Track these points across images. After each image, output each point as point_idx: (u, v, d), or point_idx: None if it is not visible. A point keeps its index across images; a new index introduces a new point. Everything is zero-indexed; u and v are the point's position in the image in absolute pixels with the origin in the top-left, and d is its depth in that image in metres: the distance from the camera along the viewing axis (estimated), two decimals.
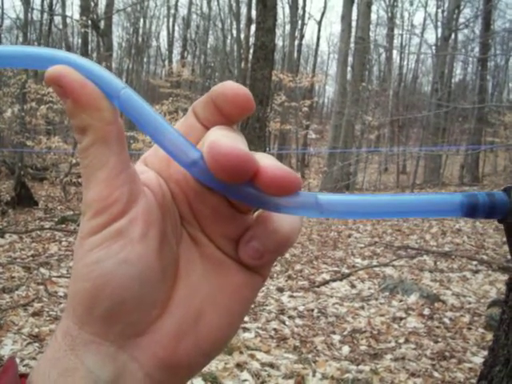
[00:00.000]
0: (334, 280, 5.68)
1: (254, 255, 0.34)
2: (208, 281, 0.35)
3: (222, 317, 0.35)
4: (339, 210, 0.32)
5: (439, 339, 4.05)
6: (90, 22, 16.43)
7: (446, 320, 4.47)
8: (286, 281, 5.61)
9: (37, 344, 3.65)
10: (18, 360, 3.37)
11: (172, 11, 35.00)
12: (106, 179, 0.31)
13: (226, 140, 0.29)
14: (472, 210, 0.32)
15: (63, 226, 8.05)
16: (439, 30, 26.23)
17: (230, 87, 0.32)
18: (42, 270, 5.50)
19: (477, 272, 6.05)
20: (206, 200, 0.34)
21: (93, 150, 0.31)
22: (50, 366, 0.32)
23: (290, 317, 4.50)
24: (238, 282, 0.35)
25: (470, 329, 4.27)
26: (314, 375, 3.33)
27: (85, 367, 0.32)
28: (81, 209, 0.33)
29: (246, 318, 4.33)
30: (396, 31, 32.37)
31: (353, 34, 19.17)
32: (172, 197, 0.35)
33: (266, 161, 0.30)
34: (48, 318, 4.17)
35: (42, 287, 4.88)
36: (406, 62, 36.53)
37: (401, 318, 4.50)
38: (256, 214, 0.35)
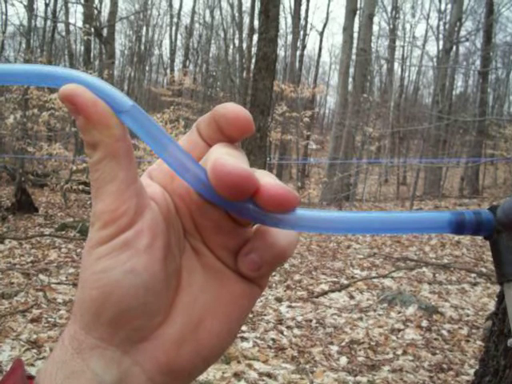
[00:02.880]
0: (332, 291, 5.67)
1: (253, 267, 0.36)
2: (208, 290, 0.37)
3: (221, 324, 0.37)
4: (334, 226, 0.34)
5: (437, 351, 4.05)
6: (93, 29, 16.51)
7: (444, 332, 4.46)
8: (285, 291, 5.61)
9: (35, 350, 3.65)
10: None
11: (175, 20, 35.20)
12: (115, 192, 0.33)
13: (228, 159, 0.31)
14: (459, 227, 0.34)
15: (63, 232, 8.05)
16: (441, 43, 26.38)
17: (232, 110, 0.35)
18: (42, 276, 5.50)
19: (475, 284, 6.05)
20: (207, 213, 0.36)
21: (103, 164, 0.33)
22: (56, 369, 0.34)
23: (289, 327, 4.50)
24: (237, 292, 0.37)
25: (468, 341, 4.27)
26: None
27: (90, 370, 0.33)
28: (90, 219, 0.34)
29: (244, 328, 4.33)
30: (398, 43, 32.49)
31: (354, 45, 19.25)
32: (175, 210, 0.37)
33: (266, 179, 0.32)
34: (46, 325, 4.17)
35: (41, 293, 4.88)
36: (407, 74, 36.72)
37: (399, 330, 4.50)
38: (255, 227, 0.37)
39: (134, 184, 0.34)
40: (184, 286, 0.37)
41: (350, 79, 18.81)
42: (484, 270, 6.75)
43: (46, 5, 23.89)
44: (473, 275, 6.46)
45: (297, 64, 25.81)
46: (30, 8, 12.17)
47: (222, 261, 0.37)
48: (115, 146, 0.33)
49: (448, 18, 24.01)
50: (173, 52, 34.06)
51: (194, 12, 33.10)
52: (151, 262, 0.34)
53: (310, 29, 37.11)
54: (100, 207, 0.33)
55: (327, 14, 40.78)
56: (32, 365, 3.43)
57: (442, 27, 28.63)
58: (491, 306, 5.16)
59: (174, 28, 34.77)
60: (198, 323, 0.36)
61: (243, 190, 0.31)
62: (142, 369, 0.35)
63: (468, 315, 4.91)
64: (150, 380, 0.35)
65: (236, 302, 0.37)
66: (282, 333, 4.35)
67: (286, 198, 0.32)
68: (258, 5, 18.26)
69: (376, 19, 30.40)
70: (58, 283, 5.33)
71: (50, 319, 4.29)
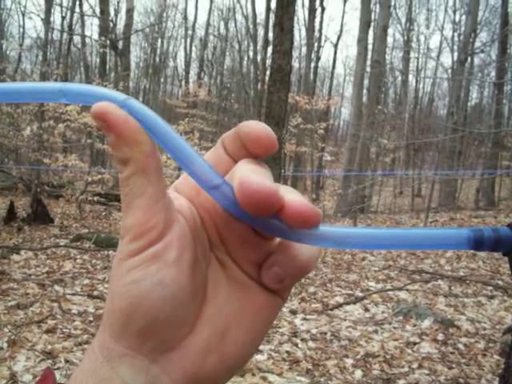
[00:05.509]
0: (347, 303, 5.65)
1: (276, 280, 0.37)
2: (233, 301, 0.38)
3: (245, 335, 0.38)
4: (355, 241, 0.35)
5: (453, 365, 4.01)
6: (108, 42, 16.67)
7: (461, 346, 4.42)
8: (300, 303, 5.59)
9: (50, 361, 3.67)
10: (30, 377, 3.39)
11: (189, 32, 35.40)
12: (145, 206, 0.34)
13: (254, 176, 0.32)
14: (478, 244, 0.35)
15: (78, 243, 8.10)
16: (455, 54, 26.29)
17: (255, 128, 0.36)
18: (57, 287, 5.54)
19: (492, 297, 6.00)
20: (233, 227, 0.37)
21: (133, 179, 0.34)
22: (87, 377, 0.35)
23: (303, 339, 4.49)
24: (261, 303, 0.38)
25: (484, 355, 4.22)
26: None
27: (120, 378, 0.34)
28: (120, 233, 0.35)
29: None
30: (412, 54, 32.47)
31: (369, 56, 19.26)
32: (201, 222, 0.38)
33: (290, 196, 0.33)
34: (61, 336, 4.19)
35: (56, 304, 4.91)
36: (421, 85, 36.62)
37: (414, 343, 4.47)
38: (278, 240, 0.38)
39: (163, 198, 0.35)
40: (210, 298, 0.38)
41: (365, 91, 18.82)
42: (501, 282, 6.69)
43: (63, 18, 24.19)
44: (489, 288, 6.41)
45: (311, 76, 25.84)
46: (47, 21, 12.32)
47: (246, 273, 0.38)
48: (145, 161, 0.34)
49: (463, 29, 23.97)
50: (187, 64, 34.25)
51: (208, 24, 33.31)
52: (179, 274, 0.35)
53: (325, 41, 37.39)
54: (130, 221, 0.34)
55: (341, 26, 41.04)
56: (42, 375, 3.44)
57: (456, 38, 28.57)
58: (508, 319, 5.11)
59: (188, 40, 35.00)
60: (223, 333, 0.37)
61: (268, 207, 0.32)
62: (169, 377, 0.36)
63: (485, 329, 4.87)
64: None
65: (259, 313, 0.38)
66: (296, 345, 4.34)
67: (309, 215, 0.32)
68: (272, 17, 18.35)
69: (390, 31, 30.46)
70: (73, 294, 5.36)
71: (64, 330, 4.31)
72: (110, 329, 0.35)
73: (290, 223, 0.33)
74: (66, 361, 3.65)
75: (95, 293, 5.49)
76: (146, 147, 0.34)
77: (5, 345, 3.84)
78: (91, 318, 4.64)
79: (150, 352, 0.35)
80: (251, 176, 0.32)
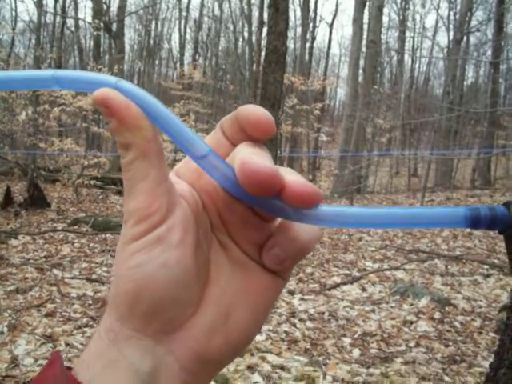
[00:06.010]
0: (344, 283, 5.69)
1: (276, 261, 0.38)
2: (235, 282, 0.39)
3: (248, 314, 0.39)
4: (356, 220, 0.35)
5: (450, 343, 4.05)
6: (102, 24, 16.52)
7: (457, 324, 4.47)
8: (297, 284, 5.62)
9: (50, 344, 3.69)
10: (31, 360, 3.41)
11: (184, 14, 35.12)
12: (148, 190, 0.35)
13: (255, 158, 0.33)
14: (475, 222, 0.36)
15: (75, 227, 8.11)
16: (451, 33, 26.18)
17: (253, 112, 0.36)
18: (55, 271, 5.55)
19: (488, 276, 6.05)
20: (233, 209, 0.38)
21: (135, 164, 0.35)
22: (94, 359, 0.36)
23: (301, 319, 4.52)
24: (262, 284, 0.39)
25: (480, 333, 4.27)
26: (324, 378, 3.35)
27: (126, 360, 0.35)
28: (123, 217, 0.36)
29: None
30: (408, 34, 32.32)
31: (364, 36, 19.16)
32: (203, 206, 0.39)
33: (290, 177, 0.34)
34: (61, 319, 4.21)
35: (54, 288, 4.92)
36: (417, 65, 36.48)
37: (411, 322, 4.51)
38: (278, 222, 0.39)
39: (164, 182, 0.35)
40: (213, 279, 0.39)
41: (360, 71, 18.76)
42: (497, 261, 6.73)
43: (56, 0, 23.94)
44: (485, 267, 6.46)
45: (306, 56, 25.72)
46: (40, 4, 12.20)
47: (247, 254, 0.39)
48: (147, 146, 0.34)
49: (458, 7, 23.87)
50: (182, 46, 34.02)
51: (202, 5, 33.01)
52: (183, 256, 0.35)
53: (320, 21, 37.08)
54: (133, 205, 0.35)
55: (336, 5, 40.87)
56: (47, 359, 3.46)
57: (452, 17, 28.45)
58: (504, 297, 5.15)
59: (183, 22, 34.70)
60: (227, 314, 0.38)
61: (270, 188, 0.32)
62: (175, 357, 0.37)
63: (481, 307, 4.91)
64: (182, 368, 0.37)
65: (261, 293, 0.39)
66: (294, 325, 4.37)
67: (309, 195, 0.33)
68: None
69: (386, 10, 30.30)
70: (72, 278, 5.38)
71: (64, 313, 4.33)
72: (116, 312, 0.36)
73: (291, 203, 0.33)
74: (67, 344, 3.67)
75: (93, 276, 5.51)
76: (147, 132, 0.34)
77: (5, 329, 3.85)
78: (90, 302, 4.66)
79: (155, 333, 0.36)
80: (252, 158, 0.33)
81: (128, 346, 0.35)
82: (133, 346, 0.35)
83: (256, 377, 3.29)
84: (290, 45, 30.49)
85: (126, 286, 0.35)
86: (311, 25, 28.16)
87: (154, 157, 0.35)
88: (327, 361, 3.67)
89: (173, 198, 0.36)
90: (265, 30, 15.39)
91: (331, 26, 33.34)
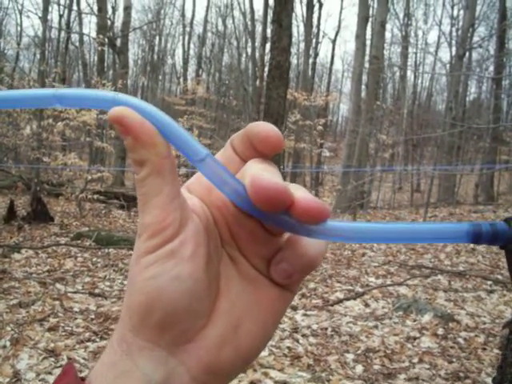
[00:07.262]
0: (347, 299, 5.67)
1: (284, 275, 0.39)
2: (245, 295, 0.40)
3: (257, 327, 0.40)
4: (362, 236, 0.37)
5: (453, 359, 4.03)
6: (106, 39, 16.65)
7: (461, 340, 4.44)
8: (300, 299, 5.60)
9: (52, 359, 3.68)
10: (33, 375, 3.40)
11: (187, 29, 35.37)
12: (161, 205, 0.36)
13: (265, 174, 0.34)
14: (477, 238, 0.37)
15: (78, 241, 8.11)
16: (453, 49, 26.29)
17: (263, 129, 0.37)
18: (58, 285, 5.55)
19: (492, 292, 6.02)
20: (243, 224, 0.39)
21: (149, 180, 0.36)
22: (106, 370, 0.37)
23: (304, 335, 4.50)
24: (271, 297, 0.40)
25: (484, 349, 4.24)
26: None
27: (139, 370, 0.36)
28: (137, 231, 0.37)
29: None
30: (410, 50, 32.45)
31: (367, 52, 19.26)
32: (213, 221, 0.40)
33: (300, 193, 0.35)
34: (64, 333, 4.20)
35: (57, 302, 4.92)
36: (420, 81, 36.65)
37: (415, 338, 4.48)
38: (286, 236, 0.40)
39: (177, 197, 0.36)
40: (223, 292, 0.39)
41: (363, 86, 18.81)
42: (500, 277, 6.71)
43: (61, 16, 24.15)
44: (489, 282, 6.43)
45: (309, 72, 25.83)
46: (45, 19, 12.27)
47: (256, 268, 0.40)
48: (161, 163, 0.35)
49: (461, 23, 23.95)
50: (186, 61, 34.20)
51: (206, 21, 33.23)
52: (195, 269, 0.36)
53: (323, 36, 37.30)
54: (147, 219, 0.36)
55: (339, 21, 40.90)
56: (50, 373, 3.46)
57: (454, 33, 28.59)
58: (508, 313, 5.13)
59: (186, 37, 34.94)
60: (237, 326, 0.39)
61: (280, 203, 0.33)
62: (186, 368, 0.38)
63: (484, 323, 4.89)
64: (193, 379, 0.38)
65: (270, 306, 0.40)
66: (297, 341, 4.36)
67: (318, 210, 0.34)
68: (270, 13, 18.34)
69: (388, 26, 30.38)
70: (75, 292, 5.37)
71: (66, 328, 4.32)
72: (129, 323, 0.37)
73: (300, 218, 0.35)
74: (69, 358, 3.67)
75: (96, 291, 5.51)
76: (161, 149, 0.35)
77: (8, 343, 3.85)
78: (93, 316, 4.65)
79: (167, 344, 0.37)
80: (263, 174, 0.34)
81: (141, 357, 0.36)
82: (146, 357, 0.36)
83: None
84: (293, 60, 30.68)
85: (139, 297, 0.36)
86: (314, 40, 28.33)
87: (168, 173, 0.36)
88: (330, 377, 3.65)
89: (185, 213, 0.37)
90: (268, 45, 15.48)
91: (334, 41, 33.56)
